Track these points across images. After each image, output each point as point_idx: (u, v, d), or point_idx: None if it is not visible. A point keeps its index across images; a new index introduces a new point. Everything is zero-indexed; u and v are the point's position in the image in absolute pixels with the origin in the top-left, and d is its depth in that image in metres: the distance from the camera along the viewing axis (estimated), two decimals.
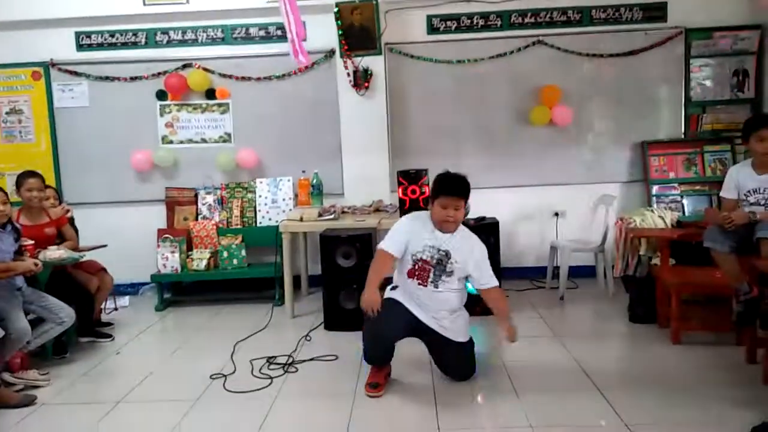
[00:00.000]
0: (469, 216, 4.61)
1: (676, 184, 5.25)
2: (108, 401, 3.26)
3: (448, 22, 5.31)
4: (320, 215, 4.62)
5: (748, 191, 3.53)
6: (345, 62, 5.08)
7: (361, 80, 5.08)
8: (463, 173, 3.25)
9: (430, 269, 3.19)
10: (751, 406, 2.81)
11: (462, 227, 3.30)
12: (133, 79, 5.36)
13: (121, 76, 5.36)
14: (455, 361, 3.32)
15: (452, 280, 3.21)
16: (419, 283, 3.21)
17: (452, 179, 3.20)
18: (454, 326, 3.27)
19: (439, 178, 3.22)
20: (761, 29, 5.15)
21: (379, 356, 3.28)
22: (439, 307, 3.24)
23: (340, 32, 5.01)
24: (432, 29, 5.32)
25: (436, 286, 3.20)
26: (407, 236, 3.22)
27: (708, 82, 5.26)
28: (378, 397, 3.17)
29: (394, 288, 3.35)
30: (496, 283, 3.29)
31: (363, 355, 3.34)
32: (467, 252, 3.21)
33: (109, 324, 4.59)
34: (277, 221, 4.99)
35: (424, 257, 3.19)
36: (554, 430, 2.75)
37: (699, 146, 5.26)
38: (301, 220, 4.59)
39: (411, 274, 3.23)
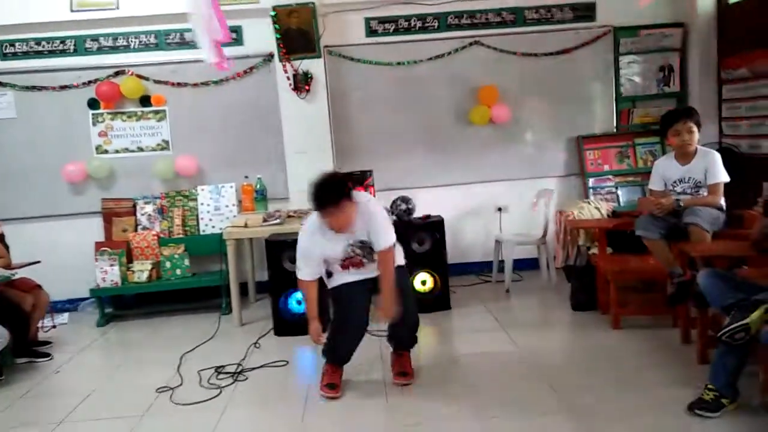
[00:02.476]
0: (415, 215, 4.67)
1: (610, 176, 5.46)
2: (49, 422, 3.12)
3: (386, 25, 5.36)
4: (265, 220, 4.56)
5: (674, 182, 3.72)
6: (284, 66, 5.05)
7: (302, 83, 5.06)
8: (336, 173, 3.13)
9: (360, 256, 3.17)
10: (687, 384, 2.95)
11: (360, 212, 3.07)
12: (63, 88, 5.15)
13: (49, 86, 5.14)
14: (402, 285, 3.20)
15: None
16: (357, 269, 3.21)
17: (319, 189, 2.97)
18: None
19: (311, 190, 2.99)
20: (684, 27, 5.41)
21: (350, 350, 3.28)
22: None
23: (277, 36, 4.97)
24: (370, 32, 5.35)
25: (373, 260, 3.18)
26: (316, 254, 3.14)
27: (636, 78, 5.49)
28: (335, 398, 3.16)
29: (330, 275, 3.30)
30: (384, 246, 3.10)
31: (326, 355, 3.30)
32: (366, 229, 3.11)
33: (47, 343, 4.38)
34: (221, 229, 4.90)
35: (349, 255, 3.16)
36: (503, 421, 2.81)
37: (630, 139, 5.49)
38: (246, 226, 4.53)
39: (345, 268, 3.22)
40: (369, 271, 3.23)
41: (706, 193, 3.60)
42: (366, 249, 3.16)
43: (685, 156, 3.67)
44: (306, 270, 3.18)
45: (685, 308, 3.50)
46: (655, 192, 3.81)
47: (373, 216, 3.12)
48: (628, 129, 5.52)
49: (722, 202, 3.59)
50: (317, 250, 3.14)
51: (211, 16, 3.78)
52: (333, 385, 3.21)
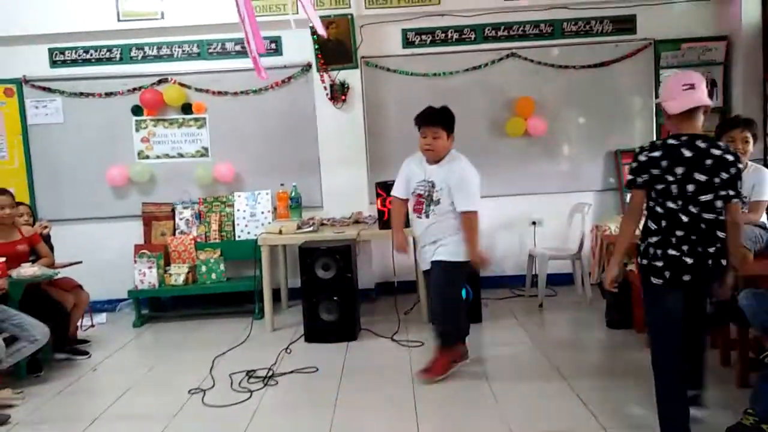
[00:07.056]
0: None
1: None
2: (84, 419, 3.21)
3: (423, 36, 5.38)
4: (299, 228, 4.62)
5: None
6: (322, 76, 5.12)
7: (338, 93, 5.12)
8: (449, 109, 3.50)
9: (424, 201, 3.44)
10: (725, 407, 2.86)
11: (455, 157, 3.44)
12: (108, 95, 5.33)
13: (95, 92, 5.33)
14: (434, 281, 3.49)
15: (440, 209, 3.39)
16: (417, 216, 3.49)
17: (428, 110, 3.45)
18: (448, 248, 3.41)
19: (419, 112, 3.46)
20: (727, 40, 5.29)
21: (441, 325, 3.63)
22: (435, 236, 3.44)
23: (316, 46, 5.06)
24: (407, 43, 5.39)
25: (428, 216, 3.44)
26: (406, 176, 3.56)
27: None
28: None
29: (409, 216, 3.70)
30: (465, 208, 3.35)
31: None
32: (445, 178, 3.37)
33: (85, 341, 4.51)
34: (255, 235, 4.97)
35: (419, 192, 3.47)
36: None
37: None
38: (280, 232, 4.59)
39: (414, 210, 3.52)
40: (426, 230, 3.44)
41: (746, 210, 3.49)
42: (429, 197, 3.38)
43: None
44: (396, 188, 3.64)
45: (724, 329, 3.39)
46: None
47: (460, 177, 3.35)
48: None
49: (764, 220, 3.48)
50: (408, 171, 3.56)
51: (248, 31, 3.87)
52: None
